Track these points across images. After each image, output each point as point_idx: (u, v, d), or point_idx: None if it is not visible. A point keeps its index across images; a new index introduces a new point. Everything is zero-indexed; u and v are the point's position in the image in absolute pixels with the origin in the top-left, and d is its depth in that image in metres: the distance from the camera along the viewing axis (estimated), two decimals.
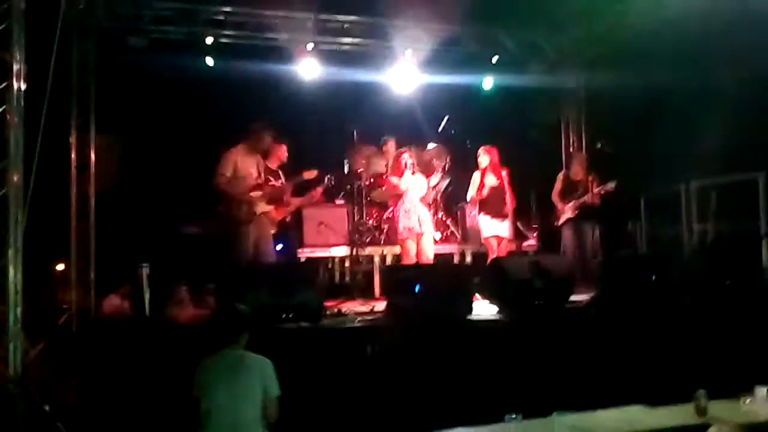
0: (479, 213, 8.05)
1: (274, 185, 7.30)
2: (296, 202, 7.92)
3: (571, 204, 8.24)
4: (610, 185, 8.09)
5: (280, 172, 7.76)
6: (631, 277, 6.06)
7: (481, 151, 8.17)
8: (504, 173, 8.04)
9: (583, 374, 5.36)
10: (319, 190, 7.97)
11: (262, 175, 6.93)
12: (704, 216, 8.66)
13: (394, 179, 7.87)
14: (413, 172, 7.80)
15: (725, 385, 4.59)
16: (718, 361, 5.50)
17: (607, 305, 5.88)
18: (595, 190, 8.12)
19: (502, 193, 7.94)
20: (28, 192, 5.38)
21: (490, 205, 7.94)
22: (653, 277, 6.05)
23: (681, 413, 4.26)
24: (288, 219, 7.79)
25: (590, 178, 8.30)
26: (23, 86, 5.22)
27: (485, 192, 7.98)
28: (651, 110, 9.54)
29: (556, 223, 8.42)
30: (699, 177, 8.68)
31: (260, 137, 6.74)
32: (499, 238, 7.94)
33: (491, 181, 7.96)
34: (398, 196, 7.78)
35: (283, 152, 7.74)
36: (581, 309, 6.03)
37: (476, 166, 8.20)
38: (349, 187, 8.92)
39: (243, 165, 6.67)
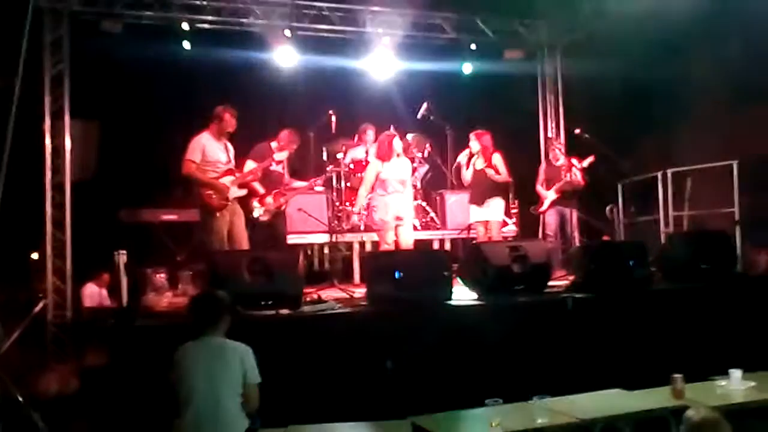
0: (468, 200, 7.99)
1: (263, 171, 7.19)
2: (294, 188, 7.80)
3: (554, 187, 8.34)
4: (589, 159, 8.28)
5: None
6: (609, 262, 6.09)
7: (472, 135, 7.93)
8: (498, 155, 7.92)
9: (561, 359, 5.41)
10: (321, 178, 7.98)
11: (232, 160, 6.87)
12: (680, 202, 8.75)
13: (377, 163, 7.43)
14: (398, 155, 7.47)
15: (701, 368, 4.67)
16: (694, 345, 5.58)
17: (585, 290, 5.91)
18: (576, 168, 8.22)
19: (486, 177, 7.82)
20: (0, 179, 5.30)
21: (475, 189, 7.86)
22: (630, 263, 6.09)
23: (658, 396, 4.33)
24: (284, 207, 7.63)
25: (570, 161, 8.37)
26: None
27: (469, 176, 7.90)
28: (628, 97, 9.62)
29: (540, 209, 8.47)
30: (675, 163, 8.76)
31: (222, 120, 6.67)
32: (486, 223, 7.90)
33: (479, 164, 7.86)
34: (380, 181, 7.36)
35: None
36: (560, 294, 6.06)
37: (461, 151, 8.09)
38: (328, 172, 8.87)
39: (210, 150, 6.62)
